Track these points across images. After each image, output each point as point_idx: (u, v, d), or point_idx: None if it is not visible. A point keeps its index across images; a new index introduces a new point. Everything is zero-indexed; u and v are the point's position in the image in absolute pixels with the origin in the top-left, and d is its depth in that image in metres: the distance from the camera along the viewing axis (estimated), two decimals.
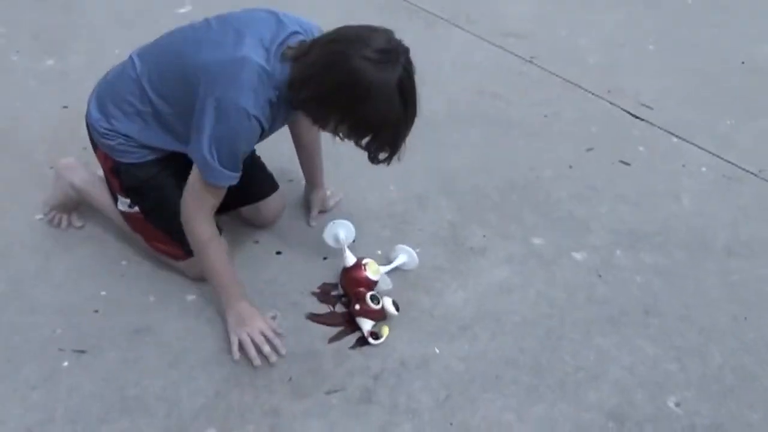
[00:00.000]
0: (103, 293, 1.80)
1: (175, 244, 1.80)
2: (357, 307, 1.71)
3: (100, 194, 1.91)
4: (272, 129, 1.63)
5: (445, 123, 2.57)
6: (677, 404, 1.62)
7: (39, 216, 2.01)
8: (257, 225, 2.01)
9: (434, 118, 2.57)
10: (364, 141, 1.49)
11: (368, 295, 1.71)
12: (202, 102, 1.50)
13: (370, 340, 1.69)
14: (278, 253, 1.96)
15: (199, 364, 1.64)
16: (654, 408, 1.61)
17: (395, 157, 1.52)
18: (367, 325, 1.71)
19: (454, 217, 2.14)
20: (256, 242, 1.99)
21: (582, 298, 1.89)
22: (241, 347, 1.64)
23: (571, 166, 2.39)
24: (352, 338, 1.72)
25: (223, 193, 1.61)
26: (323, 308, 1.80)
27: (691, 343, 1.78)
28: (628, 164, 2.41)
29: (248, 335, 1.64)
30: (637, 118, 2.66)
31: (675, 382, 1.67)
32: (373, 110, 1.43)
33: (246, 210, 1.99)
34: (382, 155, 1.51)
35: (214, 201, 1.61)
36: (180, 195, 1.75)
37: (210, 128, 1.49)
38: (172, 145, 1.70)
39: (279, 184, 2.00)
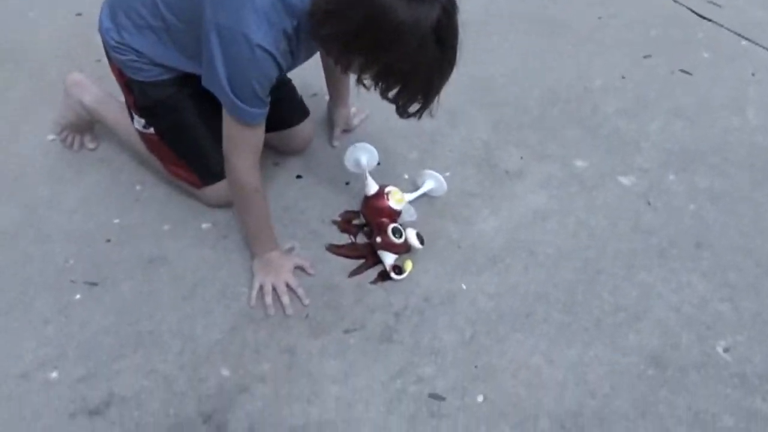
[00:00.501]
0: (116, 221, 1.73)
1: (191, 170, 1.70)
2: (378, 239, 1.60)
3: (113, 113, 1.80)
4: (295, 63, 1.46)
5: (483, 24, 2.35)
6: (726, 349, 1.48)
7: (52, 137, 1.93)
8: (282, 152, 1.88)
9: (471, 18, 2.30)
10: (392, 92, 1.30)
11: (390, 227, 1.59)
12: (207, 28, 1.33)
13: (392, 274, 1.59)
14: (298, 176, 1.85)
15: (215, 297, 1.57)
16: (700, 353, 1.48)
17: (427, 111, 1.34)
18: (389, 258, 1.60)
19: (488, 135, 1.97)
20: (276, 164, 1.88)
21: (626, 228, 1.73)
22: (261, 294, 1.55)
23: (623, 76, 2.16)
24: (374, 272, 1.62)
25: (260, 131, 1.47)
26: (344, 238, 1.69)
27: (746, 280, 1.62)
28: (689, 73, 2.17)
29: (272, 284, 1.55)
30: (703, 18, 2.38)
31: (726, 324, 1.53)
32: (403, 56, 1.22)
33: (272, 136, 1.85)
34: (413, 108, 1.33)
35: (254, 142, 1.47)
36: (199, 118, 1.63)
37: (219, 62, 1.33)
38: (187, 66, 1.55)
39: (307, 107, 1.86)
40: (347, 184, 1.82)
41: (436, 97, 1.33)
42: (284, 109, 1.80)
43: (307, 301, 1.55)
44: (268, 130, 1.82)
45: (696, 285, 1.60)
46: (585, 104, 2.06)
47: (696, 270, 1.64)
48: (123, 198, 1.78)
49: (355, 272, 1.62)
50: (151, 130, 1.68)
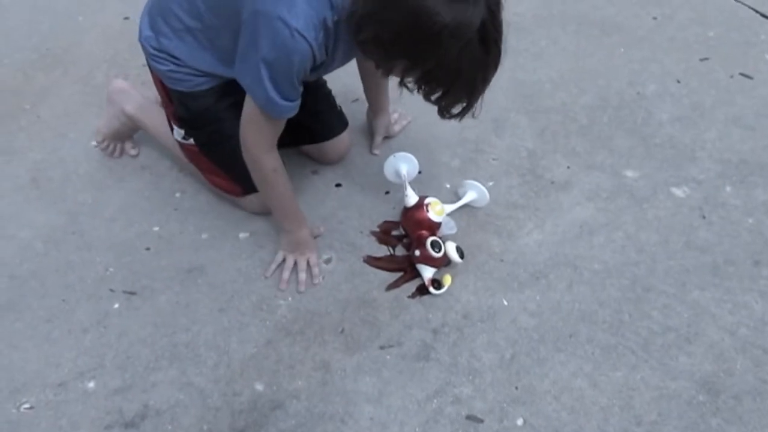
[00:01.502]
0: (155, 229, 1.73)
1: (232, 180, 1.69)
2: (417, 253, 1.56)
3: (155, 121, 1.80)
4: (331, 64, 1.43)
5: (531, 26, 2.28)
6: None
7: (95, 143, 1.95)
8: (319, 162, 1.86)
9: (519, 21, 2.28)
10: (435, 95, 1.26)
11: (429, 240, 1.54)
12: (246, 17, 1.29)
13: (431, 289, 1.55)
14: (338, 185, 1.82)
15: (250, 309, 1.56)
16: (756, 379, 1.39)
17: (470, 113, 1.29)
18: (428, 272, 1.56)
19: (534, 143, 1.90)
20: (315, 173, 1.85)
21: (679, 243, 1.64)
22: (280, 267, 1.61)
23: (679, 81, 2.06)
24: (412, 286, 1.58)
25: (284, 121, 1.45)
26: (382, 250, 1.66)
27: None
28: (750, 77, 2.05)
29: (294, 259, 1.59)
30: (766, 17, 2.25)
31: None
32: (447, 59, 1.18)
33: (310, 148, 1.84)
34: (456, 110, 1.29)
35: (276, 130, 1.46)
36: (238, 128, 1.60)
37: (258, 51, 1.28)
38: (227, 70, 1.51)
39: (346, 116, 1.83)
40: (387, 193, 1.78)
41: (480, 98, 1.29)
42: (323, 121, 1.78)
43: (317, 281, 1.58)
44: (306, 142, 1.81)
45: (753, 306, 1.51)
46: (637, 111, 1.97)
47: (753, 289, 1.54)
48: (163, 206, 1.78)
49: (392, 286, 1.58)
50: (191, 141, 1.67)
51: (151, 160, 1.90)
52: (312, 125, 1.74)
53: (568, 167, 1.83)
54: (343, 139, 1.82)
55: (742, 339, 1.46)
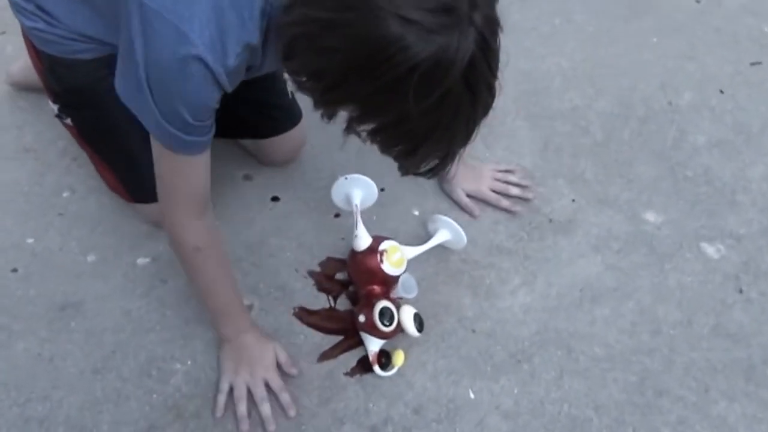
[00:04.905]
0: (29, 241, 1.32)
1: (120, 182, 1.29)
2: (362, 318, 1.16)
3: None
4: (256, 73, 1.00)
5: (540, 1, 1.83)
6: None
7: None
8: (262, 163, 1.45)
9: None
10: (395, 150, 0.84)
11: (378, 307, 1.14)
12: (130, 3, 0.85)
13: (376, 368, 1.16)
14: (274, 199, 1.41)
15: (135, 374, 1.17)
16: None
17: (443, 173, 0.89)
18: (374, 345, 1.17)
19: (533, 161, 1.49)
20: (247, 178, 1.44)
21: (706, 327, 1.26)
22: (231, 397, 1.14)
23: (722, 91, 1.64)
24: (352, 357, 1.19)
25: (202, 161, 1.01)
26: (321, 299, 1.27)
27: None
28: None
29: (246, 385, 1.13)
30: None
31: None
32: (416, 111, 0.76)
33: (252, 145, 1.44)
34: (425, 167, 0.87)
35: (194, 179, 1.02)
36: (132, 118, 1.15)
37: (141, 59, 0.86)
38: (114, 37, 1.08)
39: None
40: (337, 216, 1.38)
41: (460, 153, 0.88)
42: (269, 112, 1.36)
43: (292, 413, 1.12)
44: (246, 135, 1.40)
45: None
46: (667, 127, 1.56)
47: None
48: (45, 208, 1.37)
49: (326, 355, 1.20)
50: (69, 121, 1.26)
51: (39, 143, 1.47)
52: (255, 117, 1.33)
53: (573, 200, 1.42)
54: (292, 137, 1.40)
55: None
